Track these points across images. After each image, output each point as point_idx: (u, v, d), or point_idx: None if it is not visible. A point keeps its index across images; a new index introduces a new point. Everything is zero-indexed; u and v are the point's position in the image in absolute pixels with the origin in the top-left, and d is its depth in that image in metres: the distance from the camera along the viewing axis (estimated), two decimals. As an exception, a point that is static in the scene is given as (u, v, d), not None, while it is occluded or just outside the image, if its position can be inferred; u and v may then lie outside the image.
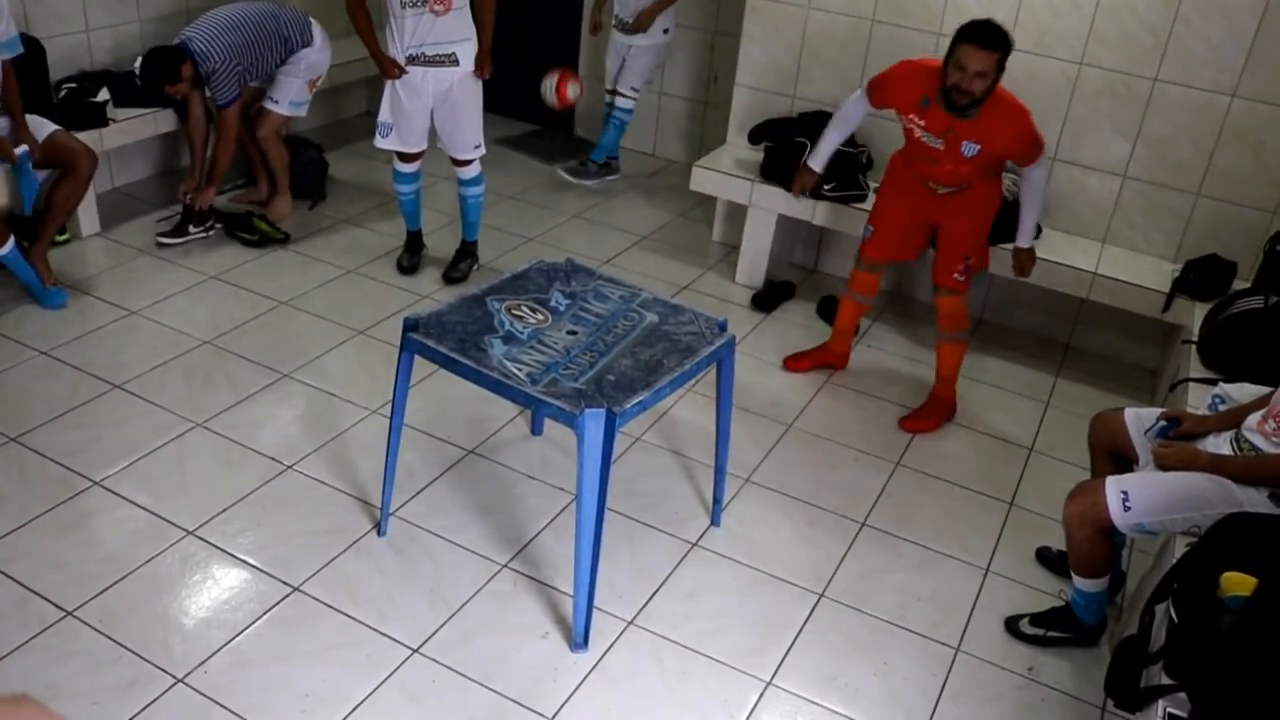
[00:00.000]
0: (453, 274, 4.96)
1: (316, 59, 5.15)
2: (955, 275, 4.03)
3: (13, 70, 4.21)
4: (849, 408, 4.25)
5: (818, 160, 4.28)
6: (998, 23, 3.54)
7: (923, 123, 3.75)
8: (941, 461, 3.97)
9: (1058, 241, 4.61)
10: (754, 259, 5.11)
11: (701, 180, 5.10)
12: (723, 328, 3.16)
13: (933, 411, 4.22)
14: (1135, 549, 3.48)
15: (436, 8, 4.33)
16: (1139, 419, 3.08)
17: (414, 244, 5.08)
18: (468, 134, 4.73)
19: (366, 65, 6.32)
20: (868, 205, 4.70)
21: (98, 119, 4.87)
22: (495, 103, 7.18)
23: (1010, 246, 4.33)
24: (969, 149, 3.69)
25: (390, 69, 4.48)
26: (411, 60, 4.45)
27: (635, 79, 5.89)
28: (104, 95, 4.96)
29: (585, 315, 3.15)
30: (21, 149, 4.20)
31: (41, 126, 4.33)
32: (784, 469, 3.84)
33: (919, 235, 4.14)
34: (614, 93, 6.02)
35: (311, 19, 5.16)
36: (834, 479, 3.81)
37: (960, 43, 3.53)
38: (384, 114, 4.63)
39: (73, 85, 4.95)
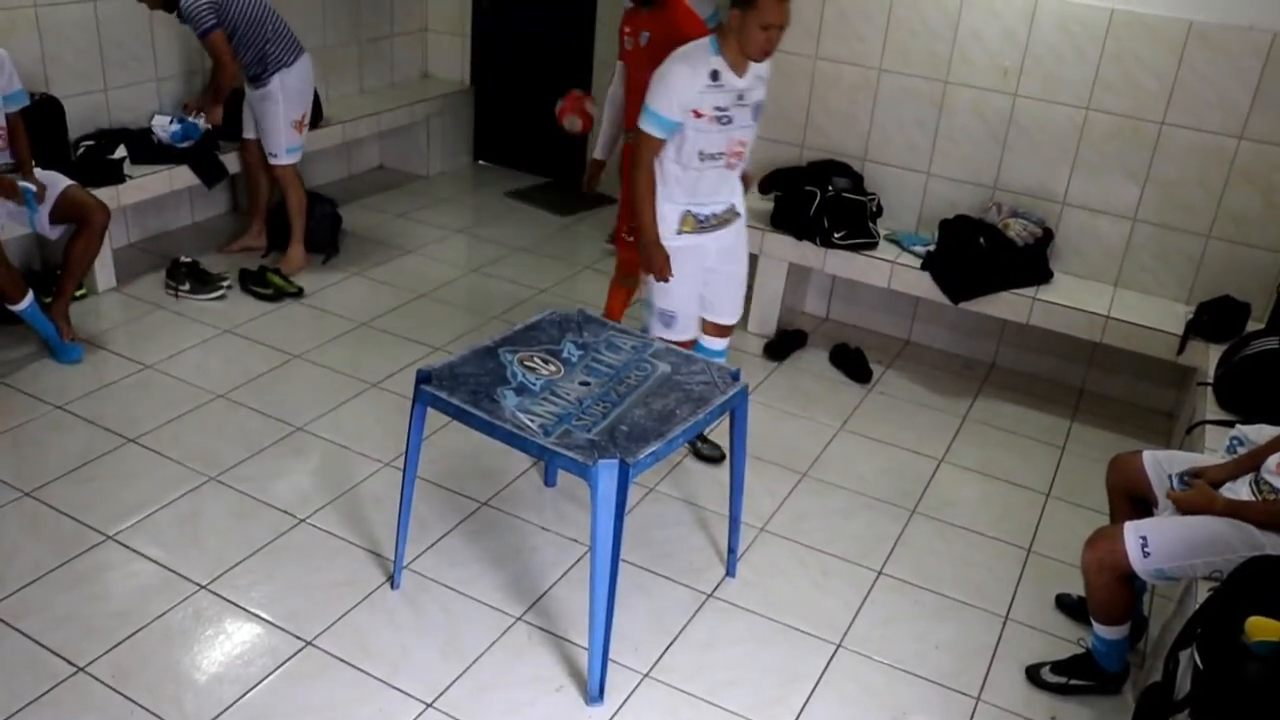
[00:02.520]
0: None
1: (292, 85, 5.15)
2: (624, 236, 4.32)
3: (20, 121, 4.28)
4: (863, 455, 4.23)
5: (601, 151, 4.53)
6: None
7: (629, 29, 4.14)
8: (958, 508, 3.94)
9: (1070, 285, 4.60)
10: (766, 307, 5.11)
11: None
12: (735, 377, 3.16)
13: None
14: (1157, 594, 3.44)
15: (733, 160, 3.66)
16: (1157, 461, 3.06)
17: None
18: (741, 290, 3.99)
19: (379, 120, 6.43)
20: (879, 253, 4.73)
21: (115, 176, 4.92)
22: (505, 156, 7.29)
23: (1020, 292, 4.38)
24: (643, 37, 4.06)
25: (665, 269, 3.68)
26: (701, 225, 3.70)
27: None
28: (121, 153, 5.02)
29: (598, 366, 3.15)
30: (28, 185, 4.23)
31: (56, 181, 4.38)
32: (798, 518, 3.81)
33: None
34: None
35: (306, 54, 5.22)
36: (849, 527, 3.78)
37: None
38: (664, 298, 3.76)
39: (91, 143, 5.02)
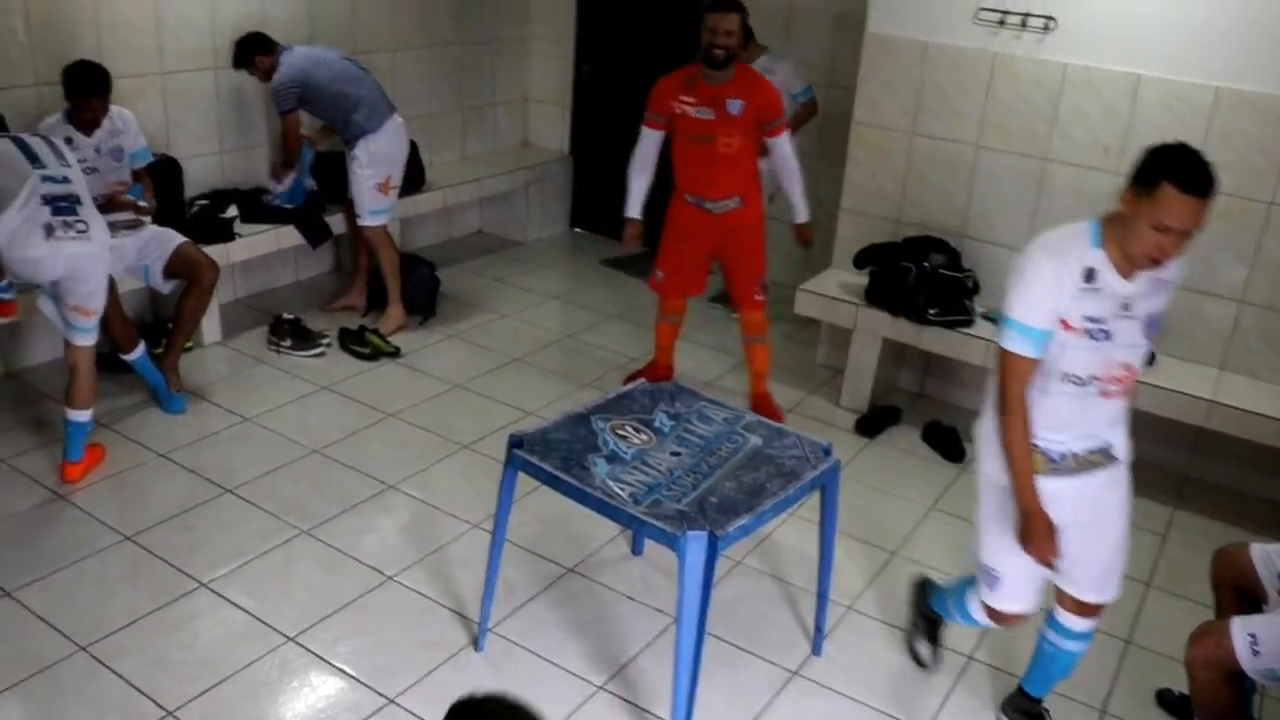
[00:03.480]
0: None
1: (376, 150, 5.29)
2: (755, 296, 4.73)
3: (146, 174, 4.59)
4: (955, 536, 4.14)
5: (635, 207, 4.79)
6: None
7: (691, 99, 4.43)
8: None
9: (1173, 367, 4.49)
10: (859, 382, 5.07)
11: (806, 304, 5.12)
12: (827, 452, 3.14)
13: (773, 413, 4.81)
14: (1268, 695, 3.29)
15: (1111, 388, 2.66)
16: (1267, 556, 2.94)
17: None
18: (1115, 558, 2.87)
19: (480, 186, 6.58)
20: (974, 330, 4.67)
21: (225, 234, 5.11)
22: (601, 224, 7.39)
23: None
24: (733, 105, 4.34)
25: (1047, 546, 2.68)
26: (1054, 467, 2.71)
27: None
28: (232, 212, 5.22)
29: (689, 437, 3.15)
30: (138, 194, 4.50)
31: (170, 238, 4.56)
32: (888, 597, 3.74)
33: (703, 267, 4.82)
34: None
35: (396, 115, 5.36)
36: (939, 609, 3.70)
37: (711, 14, 4.33)
38: (991, 551, 2.89)
39: (204, 202, 5.22)
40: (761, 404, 4.89)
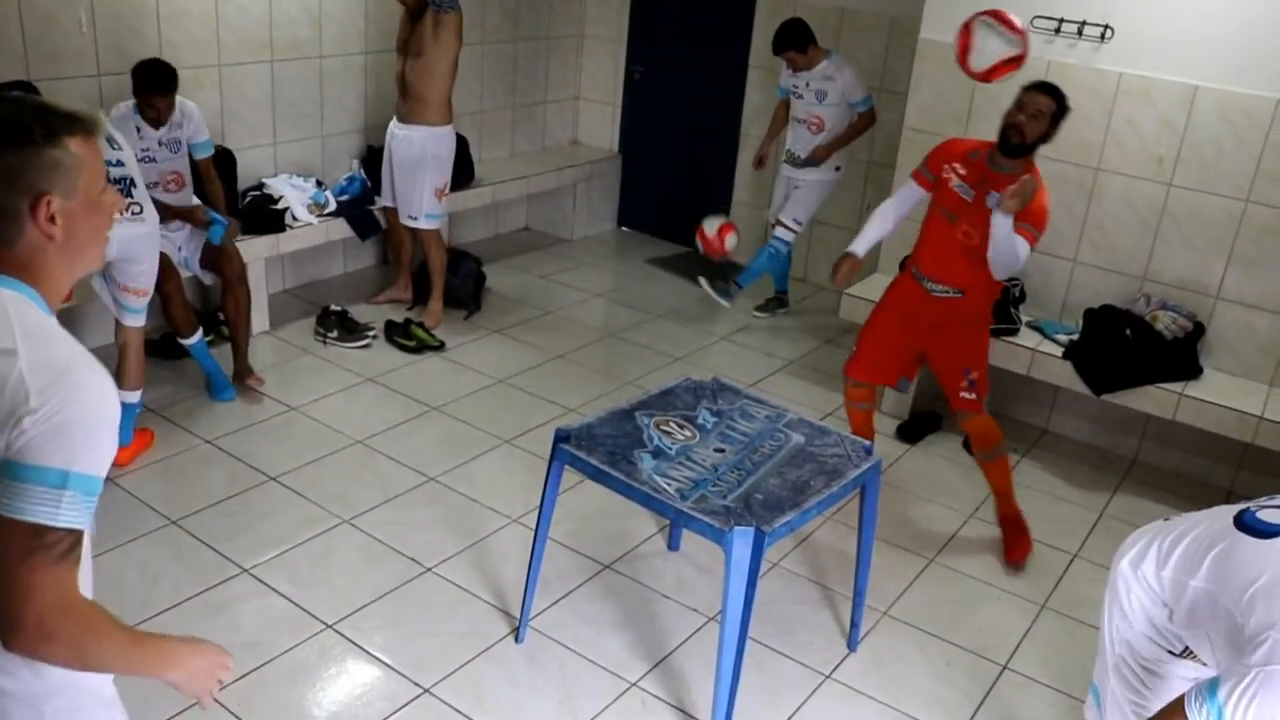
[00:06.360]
0: None
1: (446, 151, 5.45)
2: (962, 393, 3.99)
3: (210, 166, 4.60)
4: (994, 544, 4.11)
5: (859, 244, 4.12)
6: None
7: (963, 171, 3.91)
8: (1091, 606, 3.77)
9: (1221, 382, 4.43)
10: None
11: (851, 308, 5.09)
12: (869, 451, 3.14)
13: (1018, 536, 4.05)
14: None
15: None
16: None
17: None
18: None
19: (528, 183, 6.63)
20: (1020, 339, 4.63)
21: (277, 225, 5.17)
22: (648, 224, 7.41)
23: (1167, 387, 4.23)
24: (993, 199, 3.77)
25: None
26: None
27: (800, 212, 5.88)
28: (284, 203, 5.27)
29: (732, 433, 3.16)
30: (217, 216, 4.48)
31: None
32: (924, 604, 3.72)
33: (901, 357, 4.14)
34: (778, 224, 6.00)
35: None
36: (975, 618, 3.67)
37: (1026, 90, 3.81)
38: None
39: (257, 193, 5.29)
40: (1010, 526, 4.10)
